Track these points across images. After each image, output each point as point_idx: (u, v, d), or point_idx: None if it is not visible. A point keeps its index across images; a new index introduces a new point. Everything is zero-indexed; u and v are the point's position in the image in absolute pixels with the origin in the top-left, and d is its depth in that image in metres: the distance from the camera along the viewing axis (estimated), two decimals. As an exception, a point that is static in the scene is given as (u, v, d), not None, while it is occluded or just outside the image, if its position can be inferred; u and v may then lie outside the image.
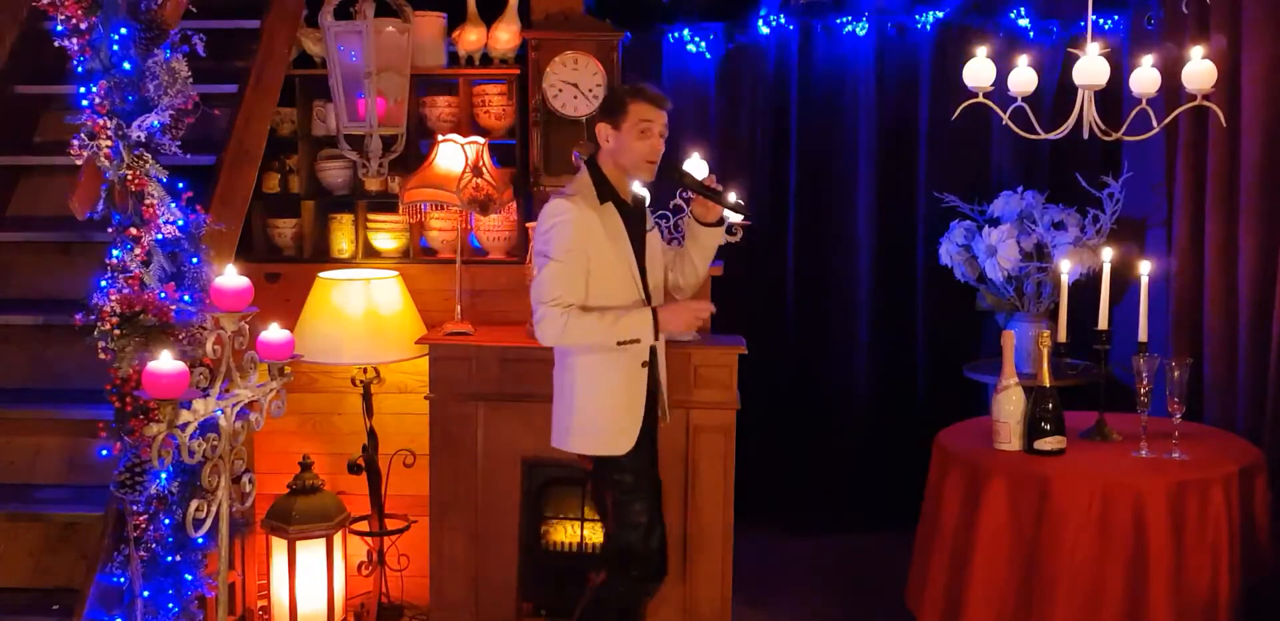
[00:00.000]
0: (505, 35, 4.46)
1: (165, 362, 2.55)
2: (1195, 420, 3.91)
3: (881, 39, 5.23)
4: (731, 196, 3.46)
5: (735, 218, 3.63)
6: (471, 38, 4.47)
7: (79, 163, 3.23)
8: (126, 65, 3.18)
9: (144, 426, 2.72)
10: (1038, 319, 4.73)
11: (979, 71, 3.47)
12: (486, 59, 4.53)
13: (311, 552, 4.16)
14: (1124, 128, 3.50)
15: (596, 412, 3.39)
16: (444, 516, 4.17)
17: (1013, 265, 4.68)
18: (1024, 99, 3.50)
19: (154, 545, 3.12)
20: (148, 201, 3.20)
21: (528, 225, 4.27)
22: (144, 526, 3.11)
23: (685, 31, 5.21)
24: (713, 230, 3.46)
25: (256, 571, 4.40)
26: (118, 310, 3.11)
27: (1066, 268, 3.88)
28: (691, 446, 4.08)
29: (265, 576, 4.30)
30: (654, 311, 3.31)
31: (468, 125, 4.50)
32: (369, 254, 4.56)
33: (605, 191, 3.37)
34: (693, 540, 4.10)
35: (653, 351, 3.41)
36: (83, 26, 3.15)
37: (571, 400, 3.42)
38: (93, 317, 3.12)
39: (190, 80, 3.32)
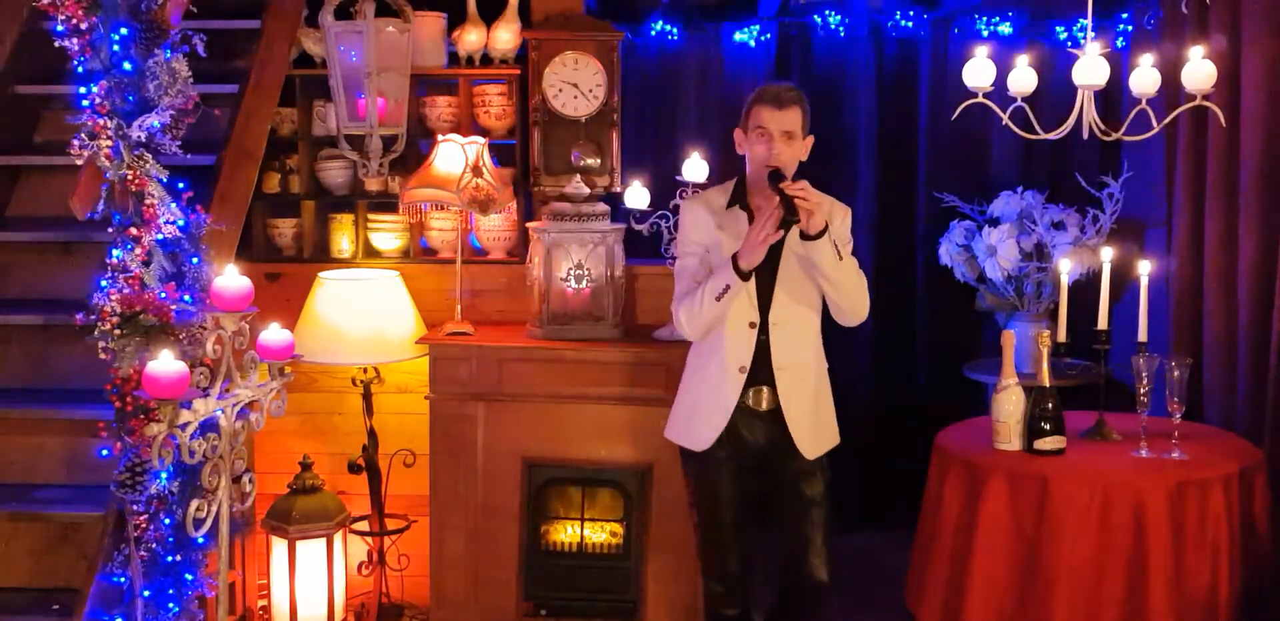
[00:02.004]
0: (505, 35, 4.46)
1: (165, 362, 2.55)
2: (1195, 420, 3.91)
3: (881, 39, 5.23)
4: (817, 224, 3.12)
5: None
6: (471, 38, 4.47)
7: (79, 163, 3.23)
8: (127, 65, 3.19)
9: (144, 426, 2.73)
10: (1038, 319, 4.73)
11: (979, 71, 3.47)
12: (486, 59, 4.53)
13: (311, 552, 4.16)
14: (1124, 128, 3.50)
15: (680, 400, 3.47)
16: (444, 516, 4.17)
17: (1013, 265, 4.68)
18: (1024, 99, 3.50)
19: (154, 545, 3.12)
20: (148, 201, 3.20)
21: (528, 225, 4.28)
22: (144, 526, 3.11)
23: (685, 32, 5.20)
24: (811, 244, 3.16)
25: (256, 571, 4.40)
26: (118, 310, 3.11)
27: (1066, 268, 3.88)
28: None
29: (265, 576, 4.30)
30: (734, 256, 3.20)
31: (468, 125, 4.50)
32: (369, 254, 4.56)
33: (737, 197, 3.34)
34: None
35: (771, 376, 3.30)
36: (83, 26, 3.16)
37: (678, 392, 3.50)
38: (93, 317, 3.13)
39: (190, 80, 3.32)
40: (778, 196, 3.09)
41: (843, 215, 3.36)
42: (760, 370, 3.31)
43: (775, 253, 3.26)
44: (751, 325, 3.30)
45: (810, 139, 3.31)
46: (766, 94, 3.27)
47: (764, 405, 3.33)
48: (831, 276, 3.21)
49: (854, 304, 3.30)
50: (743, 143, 3.32)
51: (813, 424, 3.37)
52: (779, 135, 3.22)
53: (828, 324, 3.42)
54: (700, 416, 3.38)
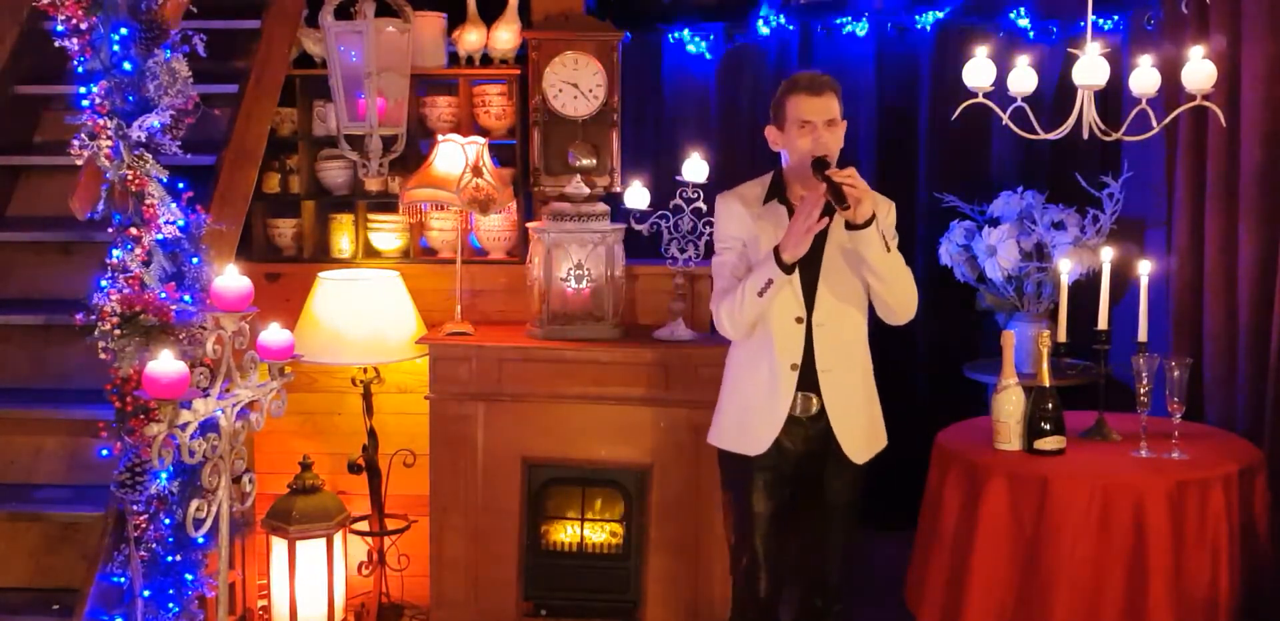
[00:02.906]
0: (505, 35, 4.46)
1: (165, 362, 2.55)
2: (1195, 420, 3.91)
3: (881, 39, 5.22)
4: (865, 212, 3.01)
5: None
6: (471, 38, 4.47)
7: (79, 163, 3.23)
8: (127, 65, 3.19)
9: (144, 426, 2.73)
10: (1038, 319, 4.72)
11: (979, 71, 3.47)
12: (486, 59, 4.53)
13: (311, 552, 4.16)
14: (1124, 128, 3.50)
15: (727, 403, 3.34)
16: (444, 516, 4.17)
17: (1013, 265, 4.68)
18: (1024, 99, 3.50)
19: (154, 545, 3.12)
20: (148, 201, 3.20)
21: (528, 225, 4.28)
22: (144, 526, 3.11)
23: (685, 31, 5.20)
24: (858, 234, 3.04)
25: (256, 571, 4.40)
26: (118, 310, 3.12)
27: (1066, 268, 3.88)
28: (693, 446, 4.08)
29: (265, 576, 4.30)
30: (776, 248, 3.08)
31: (468, 125, 4.50)
32: (369, 254, 4.56)
33: (776, 192, 3.22)
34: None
35: (815, 380, 3.20)
36: (83, 26, 3.16)
37: (720, 395, 3.39)
38: (93, 317, 3.13)
39: (190, 80, 3.32)
40: (824, 184, 2.97)
41: (888, 208, 3.24)
42: (805, 371, 3.21)
43: (818, 247, 3.15)
44: (799, 320, 3.19)
45: (844, 124, 3.19)
46: (800, 84, 3.13)
47: (809, 410, 3.24)
48: (879, 270, 3.09)
49: (903, 300, 3.18)
50: (778, 139, 3.18)
51: (865, 427, 3.30)
52: (823, 124, 3.10)
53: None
54: (755, 419, 3.25)
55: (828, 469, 3.29)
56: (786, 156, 3.18)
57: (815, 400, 3.22)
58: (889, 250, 3.08)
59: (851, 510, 3.36)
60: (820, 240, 3.14)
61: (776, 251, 3.05)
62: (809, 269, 3.16)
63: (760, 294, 3.08)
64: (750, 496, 3.29)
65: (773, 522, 3.32)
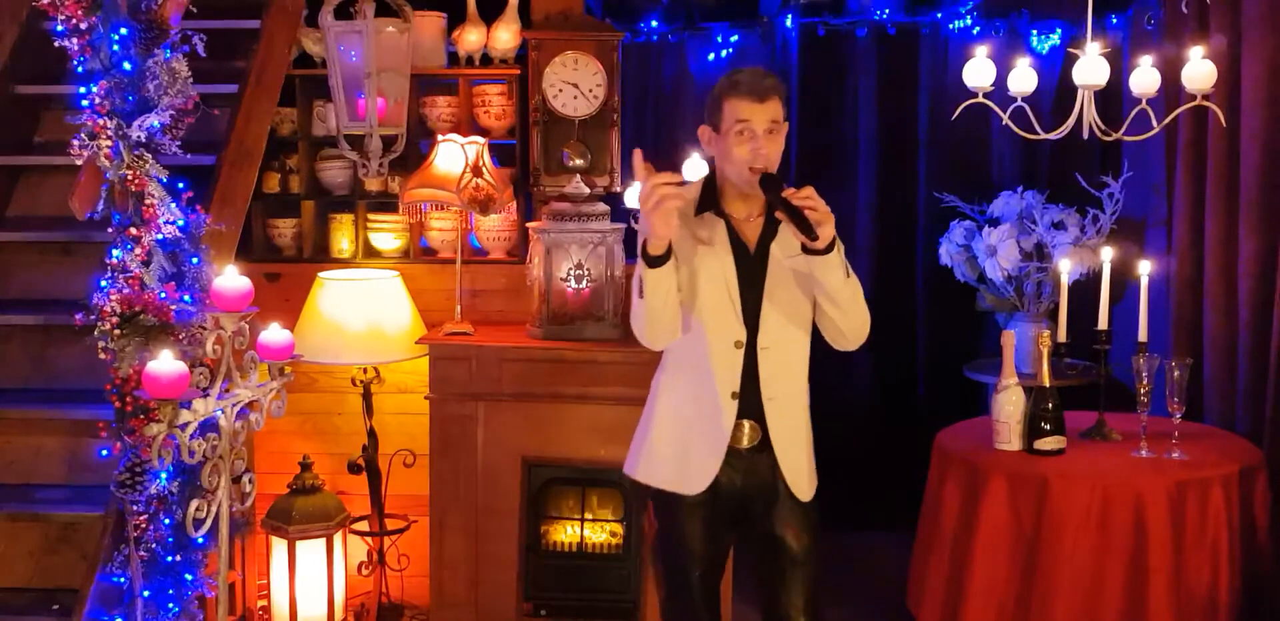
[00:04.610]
0: (505, 35, 4.46)
1: (165, 362, 2.55)
2: (1195, 420, 3.91)
3: (881, 39, 5.23)
4: (828, 235, 2.61)
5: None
6: (471, 38, 4.47)
7: (79, 163, 3.23)
8: (126, 65, 3.19)
9: (144, 426, 2.72)
10: (1038, 319, 4.73)
11: (979, 72, 3.47)
12: (486, 59, 4.53)
13: (311, 552, 4.16)
14: (1124, 128, 3.50)
15: (654, 434, 2.92)
16: (444, 516, 4.17)
17: (1013, 265, 4.68)
18: (1024, 99, 3.50)
19: (154, 545, 3.12)
20: (148, 201, 3.20)
21: (528, 225, 4.28)
22: (144, 526, 3.11)
23: (685, 31, 5.20)
24: (816, 259, 2.66)
25: (256, 571, 4.40)
26: (118, 310, 3.11)
27: (1066, 268, 3.88)
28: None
29: (265, 576, 4.30)
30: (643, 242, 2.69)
31: (468, 125, 4.50)
32: (369, 254, 4.56)
33: (709, 201, 2.83)
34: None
35: (759, 409, 2.82)
36: (83, 26, 3.16)
37: (642, 421, 3.00)
38: (93, 317, 3.13)
39: (190, 80, 3.32)
40: (780, 209, 2.61)
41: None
42: (747, 400, 2.82)
43: (760, 263, 2.81)
44: (738, 344, 2.81)
45: (786, 127, 2.81)
46: (742, 85, 2.72)
47: (746, 442, 2.84)
48: (837, 296, 2.73)
49: (856, 325, 2.82)
50: (712, 140, 2.79)
51: (807, 461, 2.91)
52: (764, 131, 2.72)
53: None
54: (692, 454, 2.85)
55: (777, 511, 2.88)
56: (719, 162, 2.81)
57: (758, 429, 2.83)
58: (849, 275, 2.73)
59: (807, 567, 2.90)
60: (763, 255, 2.81)
61: (643, 245, 2.65)
62: (752, 288, 2.81)
63: (640, 294, 2.70)
64: (685, 539, 2.87)
65: (711, 573, 2.92)
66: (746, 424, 2.83)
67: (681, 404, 2.89)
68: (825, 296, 2.75)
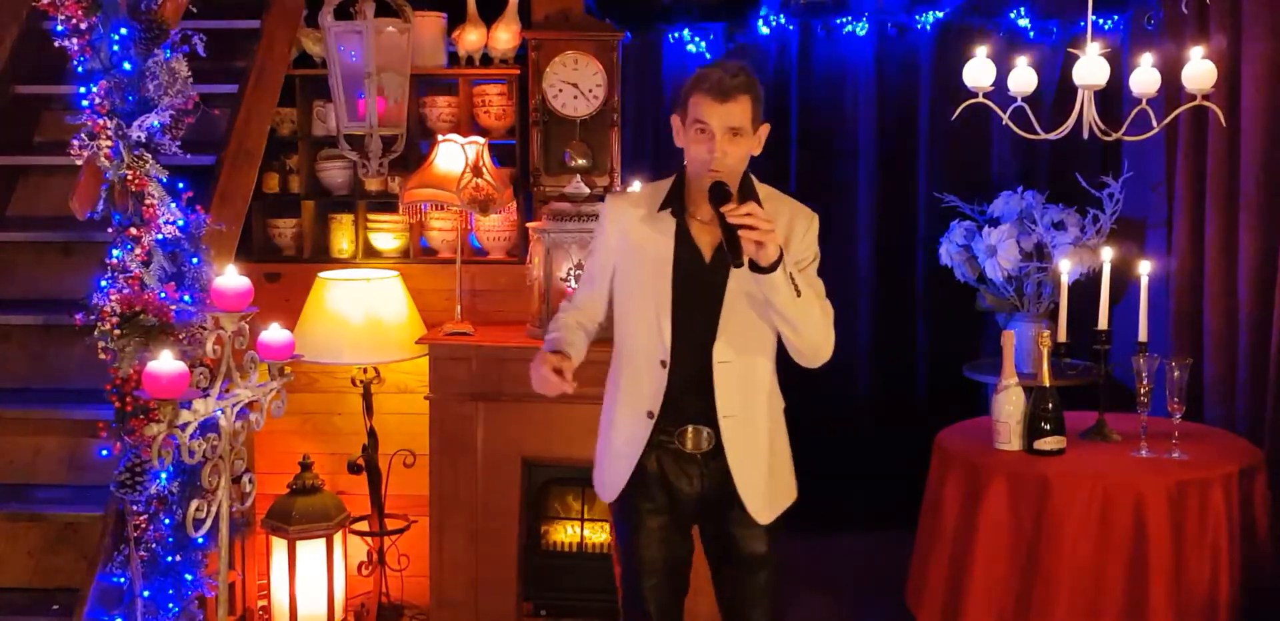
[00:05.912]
0: (505, 35, 4.46)
1: (165, 362, 2.55)
2: (1195, 420, 3.91)
3: (881, 39, 5.23)
4: (769, 255, 2.49)
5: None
6: (471, 38, 4.47)
7: (79, 163, 3.23)
8: (126, 65, 3.19)
9: (144, 426, 2.72)
10: (1038, 319, 4.73)
11: (979, 71, 3.47)
12: (486, 59, 4.53)
13: (311, 552, 4.16)
14: (1124, 128, 3.50)
15: (599, 440, 2.91)
16: (444, 516, 4.17)
17: (1013, 265, 4.68)
18: (1024, 99, 3.50)
19: (154, 545, 3.12)
20: (148, 201, 3.20)
21: (528, 225, 4.28)
22: (144, 526, 3.11)
23: (685, 31, 5.20)
24: (763, 278, 2.54)
25: (256, 571, 4.40)
26: (118, 310, 3.11)
27: (1066, 268, 3.88)
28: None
29: (265, 576, 4.30)
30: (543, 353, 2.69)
31: (468, 125, 4.50)
32: (369, 254, 4.56)
33: (672, 198, 2.73)
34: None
35: (713, 425, 2.74)
36: (83, 26, 3.16)
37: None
38: (93, 317, 3.13)
39: (190, 80, 3.32)
40: (719, 221, 2.50)
41: (807, 223, 2.76)
42: (703, 414, 2.73)
43: (720, 280, 2.69)
44: (662, 364, 2.72)
45: (765, 128, 2.68)
46: (707, 81, 2.58)
47: (701, 446, 2.74)
48: (788, 315, 2.60)
49: (815, 343, 2.67)
50: (681, 133, 2.68)
51: (767, 481, 2.79)
52: (722, 133, 2.58)
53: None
54: (611, 464, 2.83)
55: (733, 517, 2.79)
56: (685, 158, 2.69)
57: (708, 434, 2.74)
58: (799, 294, 2.57)
59: (765, 573, 2.82)
60: (721, 271, 2.67)
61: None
62: (709, 305, 2.71)
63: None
64: (639, 548, 2.82)
65: (666, 585, 2.84)
66: (702, 430, 2.74)
67: (615, 418, 2.84)
68: (775, 313, 2.61)
